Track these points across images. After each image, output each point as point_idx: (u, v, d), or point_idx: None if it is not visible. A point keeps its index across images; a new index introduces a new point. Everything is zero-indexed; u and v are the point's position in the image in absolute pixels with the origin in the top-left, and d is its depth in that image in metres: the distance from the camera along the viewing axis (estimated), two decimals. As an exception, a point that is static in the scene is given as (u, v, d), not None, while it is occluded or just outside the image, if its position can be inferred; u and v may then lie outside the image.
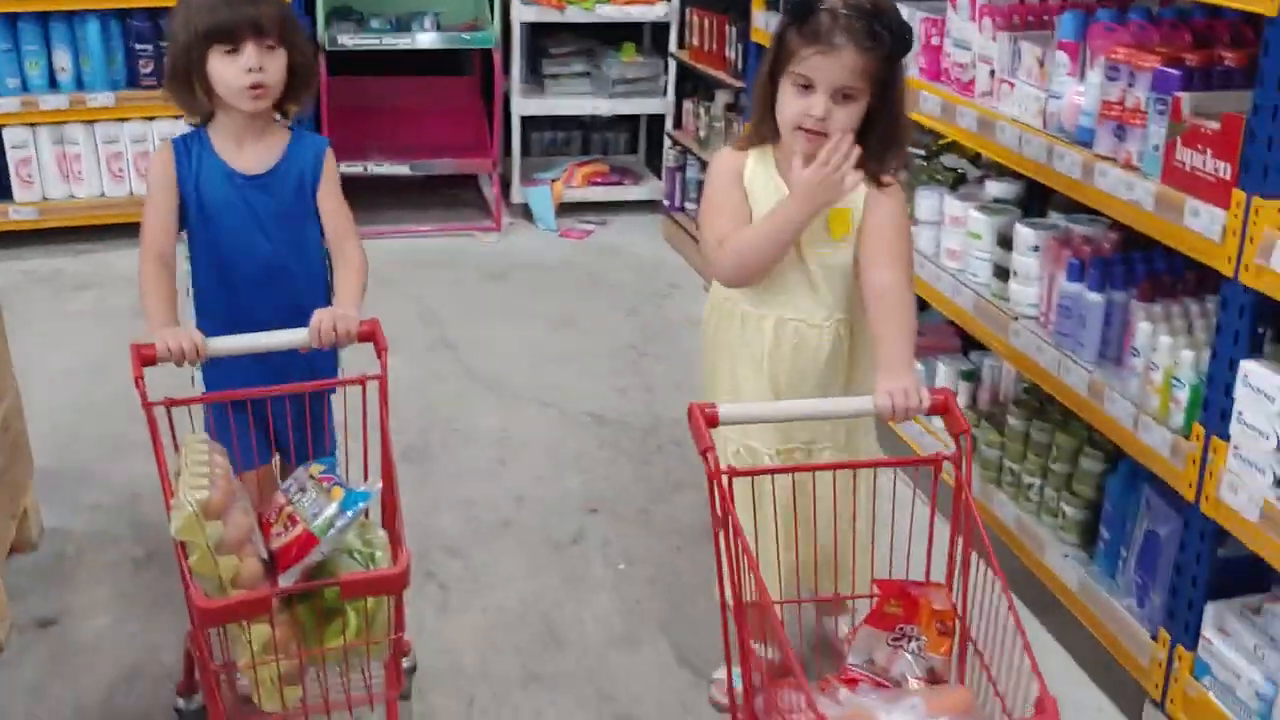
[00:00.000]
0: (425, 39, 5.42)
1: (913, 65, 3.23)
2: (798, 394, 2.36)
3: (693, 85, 5.65)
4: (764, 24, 4.27)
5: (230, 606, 1.93)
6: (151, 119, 5.09)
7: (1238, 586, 2.36)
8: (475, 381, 4.17)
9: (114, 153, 5.09)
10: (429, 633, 2.83)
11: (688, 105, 5.55)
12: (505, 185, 5.79)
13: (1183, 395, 2.34)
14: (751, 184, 2.31)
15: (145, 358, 2.18)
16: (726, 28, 4.99)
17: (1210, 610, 2.34)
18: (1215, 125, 2.20)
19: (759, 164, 2.32)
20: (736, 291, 2.37)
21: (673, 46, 5.70)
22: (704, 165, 5.23)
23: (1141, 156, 2.41)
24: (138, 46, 5.04)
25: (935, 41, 3.20)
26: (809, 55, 2.14)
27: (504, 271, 5.22)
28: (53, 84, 5.01)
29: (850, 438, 2.47)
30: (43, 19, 4.93)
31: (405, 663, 2.48)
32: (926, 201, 3.26)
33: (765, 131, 2.30)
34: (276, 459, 2.61)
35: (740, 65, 4.81)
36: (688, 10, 5.52)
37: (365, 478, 2.26)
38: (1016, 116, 2.84)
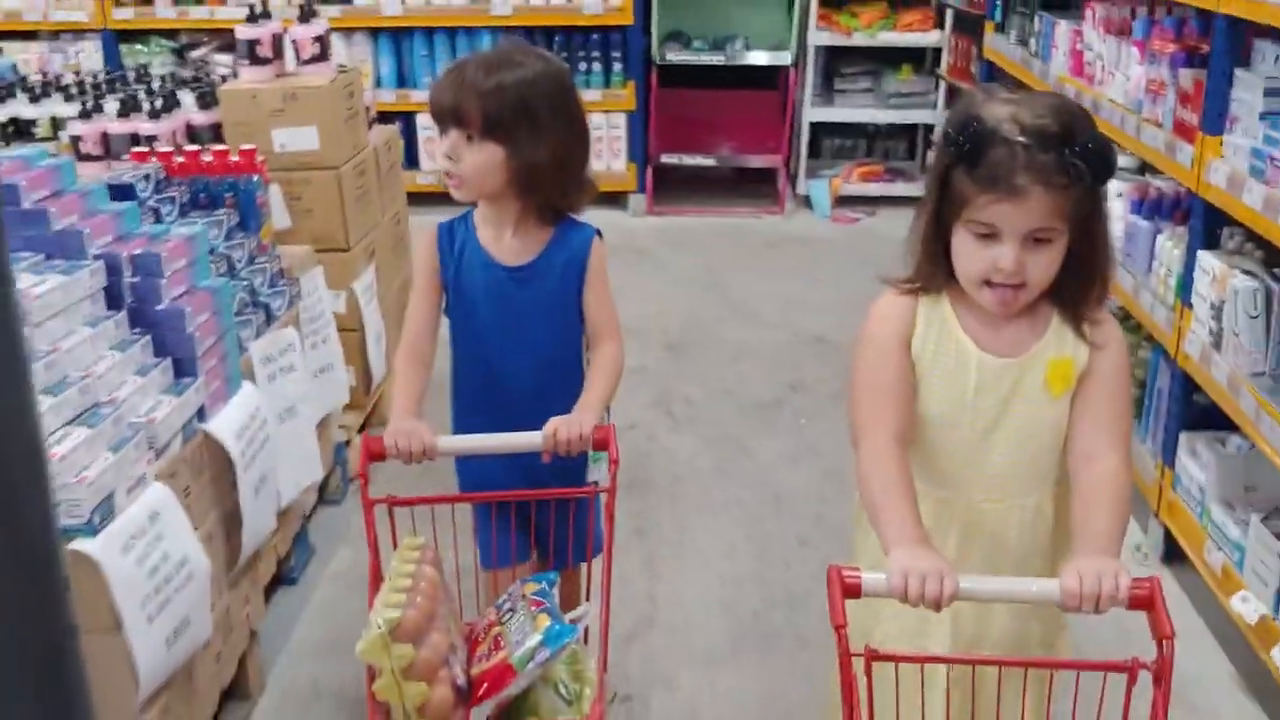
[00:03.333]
0: (737, 57, 6.77)
1: (1061, 62, 4.23)
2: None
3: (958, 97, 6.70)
4: (992, 45, 5.31)
5: None
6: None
7: (1213, 425, 3.25)
8: (730, 310, 5.43)
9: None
10: (658, 441, 4.12)
11: (948, 115, 6.60)
12: (794, 179, 7.03)
13: (1172, 281, 3.28)
14: (921, 350, 1.87)
15: (374, 453, 2.11)
16: (971, 48, 6.04)
17: (1183, 439, 3.25)
18: (1190, 89, 3.15)
19: (930, 321, 1.87)
20: None
21: (943, 69, 6.77)
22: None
23: (1163, 116, 3.37)
24: None
25: (1078, 46, 4.19)
26: (987, 205, 1.70)
27: (778, 243, 6.46)
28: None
29: (1045, 639, 2.00)
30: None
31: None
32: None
33: (935, 279, 1.86)
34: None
35: (981, 79, 5.83)
36: (953, 36, 6.59)
37: (587, 596, 2.22)
38: (1113, 97, 3.81)
